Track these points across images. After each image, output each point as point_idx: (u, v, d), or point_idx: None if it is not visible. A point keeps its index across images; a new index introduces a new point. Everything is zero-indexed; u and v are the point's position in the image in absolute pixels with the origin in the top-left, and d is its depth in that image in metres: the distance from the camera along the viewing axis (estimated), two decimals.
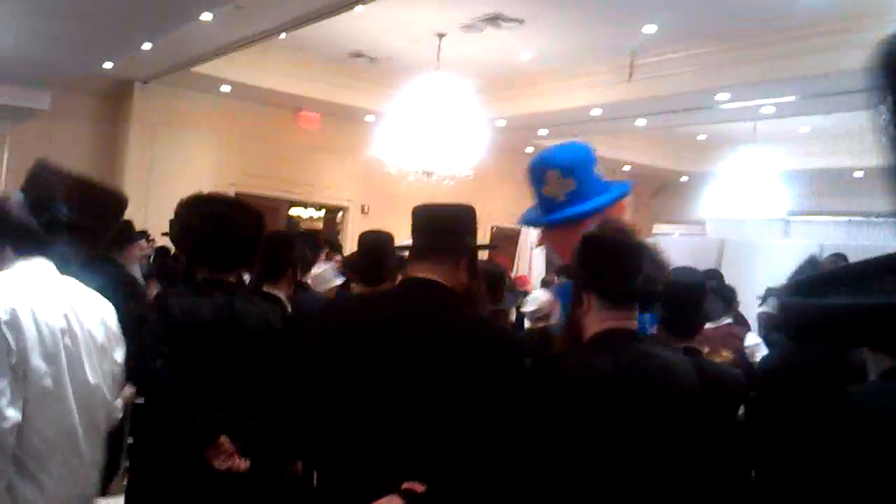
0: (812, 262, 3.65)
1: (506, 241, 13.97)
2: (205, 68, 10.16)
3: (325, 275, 5.25)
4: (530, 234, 12.98)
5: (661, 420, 2.09)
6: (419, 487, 2.08)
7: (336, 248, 7.91)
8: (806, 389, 3.29)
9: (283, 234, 4.88)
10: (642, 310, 2.58)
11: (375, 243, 3.99)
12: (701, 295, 3.08)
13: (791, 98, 9.17)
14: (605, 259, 2.25)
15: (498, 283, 3.79)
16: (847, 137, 11.70)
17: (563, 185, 3.19)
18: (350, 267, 4.64)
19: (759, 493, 3.35)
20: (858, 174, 12.68)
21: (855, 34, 7.31)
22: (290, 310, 3.77)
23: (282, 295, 3.81)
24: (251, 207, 3.35)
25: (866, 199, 12.51)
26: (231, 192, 12.19)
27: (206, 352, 3.05)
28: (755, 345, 5.20)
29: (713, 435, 2.22)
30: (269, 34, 8.74)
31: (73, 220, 2.35)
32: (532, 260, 12.29)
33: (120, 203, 2.55)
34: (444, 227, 2.41)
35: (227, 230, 3.13)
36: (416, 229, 2.46)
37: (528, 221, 3.25)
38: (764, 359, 4.11)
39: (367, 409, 2.25)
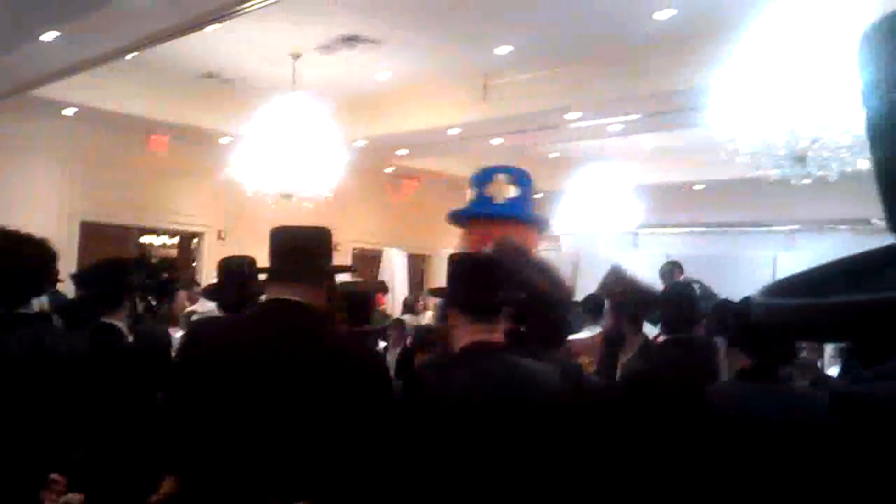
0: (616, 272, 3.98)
1: (367, 262, 13.98)
2: (46, 91, 9.63)
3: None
4: (392, 256, 13.03)
5: (519, 429, 2.13)
6: None
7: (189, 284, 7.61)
8: (666, 392, 3.45)
9: (117, 260, 4.67)
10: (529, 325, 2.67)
11: (236, 269, 3.90)
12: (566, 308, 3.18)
13: (636, 116, 9.65)
14: (465, 275, 2.33)
15: (365, 304, 3.78)
16: (688, 152, 12.43)
17: (507, 189, 3.51)
18: (210, 295, 4.52)
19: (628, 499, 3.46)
20: (699, 187, 13.49)
21: (693, 55, 7.79)
22: (128, 339, 3.63)
23: (119, 323, 3.65)
24: (31, 237, 3.08)
25: (705, 211, 13.34)
26: (76, 221, 11.63)
27: (15, 387, 2.86)
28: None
29: (582, 442, 2.27)
30: (116, 54, 8.39)
31: None
32: (395, 281, 12.34)
33: None
34: (303, 249, 2.45)
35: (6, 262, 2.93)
36: (275, 252, 2.48)
37: (462, 212, 3.47)
38: (628, 363, 4.28)
39: (232, 429, 2.23)
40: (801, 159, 4.90)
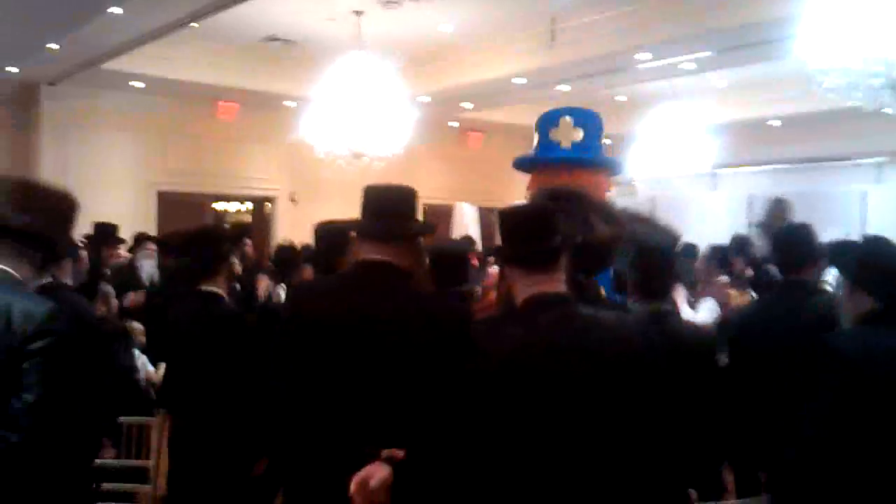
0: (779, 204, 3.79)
1: (439, 217, 13.95)
2: (114, 64, 9.75)
3: None
4: (463, 210, 12.96)
5: (584, 382, 2.04)
6: (399, 453, 2.12)
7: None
8: (781, 339, 3.32)
9: (211, 228, 4.78)
10: (588, 273, 2.57)
11: (332, 234, 3.90)
12: (671, 257, 3.07)
13: (707, 53, 9.29)
14: (513, 227, 2.25)
15: (458, 264, 3.72)
16: (761, 88, 11.99)
17: (572, 133, 3.38)
18: (309, 259, 4.62)
19: (744, 444, 3.38)
20: (775, 123, 13.01)
21: None
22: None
23: (220, 290, 3.70)
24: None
25: (785, 147, 12.87)
26: (153, 192, 11.85)
27: None
28: None
29: (665, 392, 2.18)
30: (179, 24, 8.42)
31: (20, 225, 2.18)
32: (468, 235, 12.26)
33: (70, 204, 2.38)
34: (391, 210, 2.47)
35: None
36: (365, 212, 2.49)
37: (525, 159, 3.36)
38: (740, 312, 4.17)
39: (336, 384, 2.33)
40: None
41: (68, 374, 2.13)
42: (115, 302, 5.36)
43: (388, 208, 2.46)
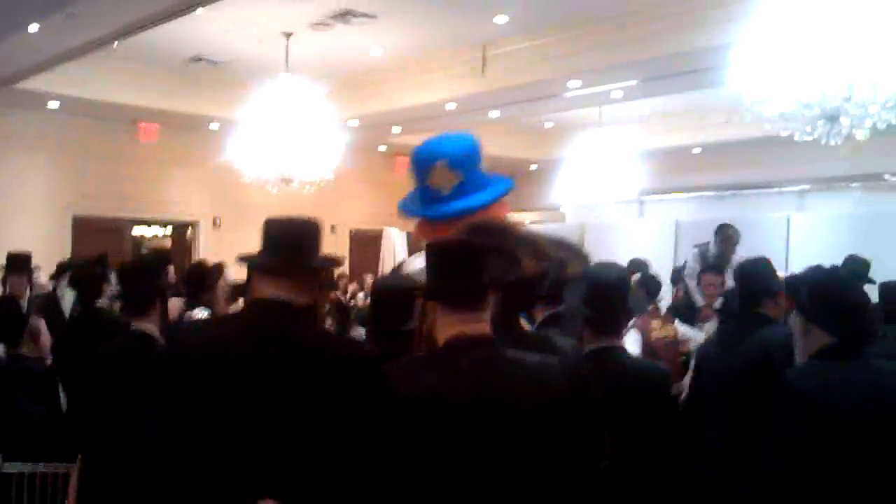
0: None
1: (365, 243, 13.78)
2: (30, 83, 9.36)
3: None
4: (391, 236, 12.83)
5: (500, 429, 1.94)
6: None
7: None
8: (732, 371, 3.32)
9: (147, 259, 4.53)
10: (515, 309, 2.46)
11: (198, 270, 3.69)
12: (623, 290, 2.99)
13: (633, 82, 9.43)
14: (439, 262, 2.14)
15: (407, 300, 3.47)
16: (685, 116, 12.26)
17: (450, 177, 3.12)
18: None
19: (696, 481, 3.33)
20: (697, 150, 13.31)
21: (688, 16, 7.59)
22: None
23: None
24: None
25: (710, 175, 13.17)
26: (68, 215, 11.36)
27: None
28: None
29: (591, 438, 2.13)
30: (99, 44, 8.11)
31: None
32: (396, 261, 12.12)
33: None
34: (294, 243, 2.33)
35: None
36: (265, 244, 2.34)
37: (412, 212, 3.14)
38: (700, 347, 4.17)
39: (216, 432, 2.18)
40: (833, 118, 4.73)
41: None
42: (45, 338, 4.94)
43: (288, 242, 2.32)
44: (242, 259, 2.45)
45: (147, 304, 3.40)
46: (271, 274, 2.29)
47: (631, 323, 5.15)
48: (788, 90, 4.73)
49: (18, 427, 4.10)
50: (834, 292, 2.59)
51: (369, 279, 10.95)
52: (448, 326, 2.07)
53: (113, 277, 4.97)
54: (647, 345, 5.27)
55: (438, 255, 2.15)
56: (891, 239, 6.93)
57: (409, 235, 13.21)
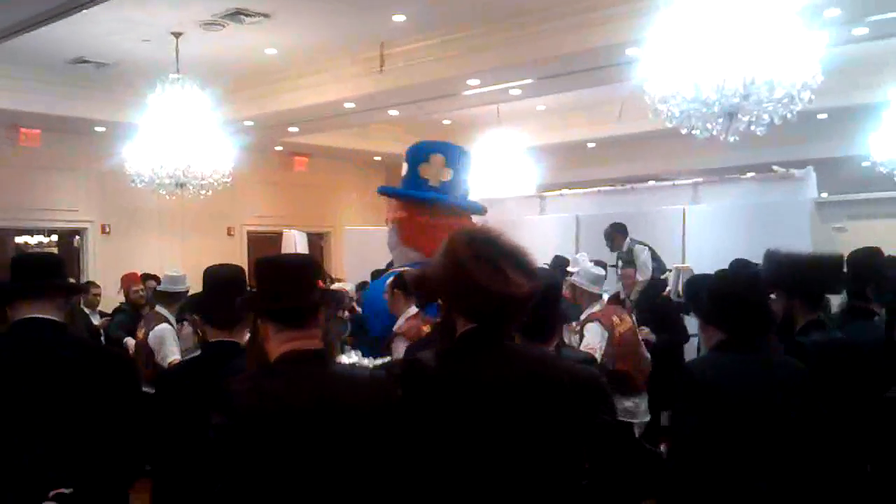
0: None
1: (264, 245, 13.48)
2: None
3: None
4: (292, 237, 12.60)
5: (332, 442, 2.01)
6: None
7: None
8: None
9: None
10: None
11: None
12: (557, 297, 2.96)
13: (530, 80, 9.53)
14: (272, 280, 2.19)
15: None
16: (578, 111, 12.51)
17: (442, 172, 3.44)
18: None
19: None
20: (591, 146, 13.60)
21: (583, 16, 7.73)
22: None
23: None
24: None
25: (606, 168, 13.49)
26: None
27: None
28: None
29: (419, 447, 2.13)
30: None
31: None
32: None
33: None
34: (40, 269, 2.77)
35: None
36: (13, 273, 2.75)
37: (393, 191, 3.34)
38: None
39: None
40: (731, 115, 4.88)
41: None
42: None
43: (35, 269, 2.74)
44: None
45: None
46: (29, 298, 2.69)
47: (586, 315, 5.07)
48: (686, 88, 4.84)
49: None
50: (723, 295, 2.85)
51: None
52: (281, 343, 2.12)
53: None
54: (613, 339, 5.09)
55: (271, 273, 2.19)
56: (781, 227, 7.22)
57: (310, 236, 13.02)
